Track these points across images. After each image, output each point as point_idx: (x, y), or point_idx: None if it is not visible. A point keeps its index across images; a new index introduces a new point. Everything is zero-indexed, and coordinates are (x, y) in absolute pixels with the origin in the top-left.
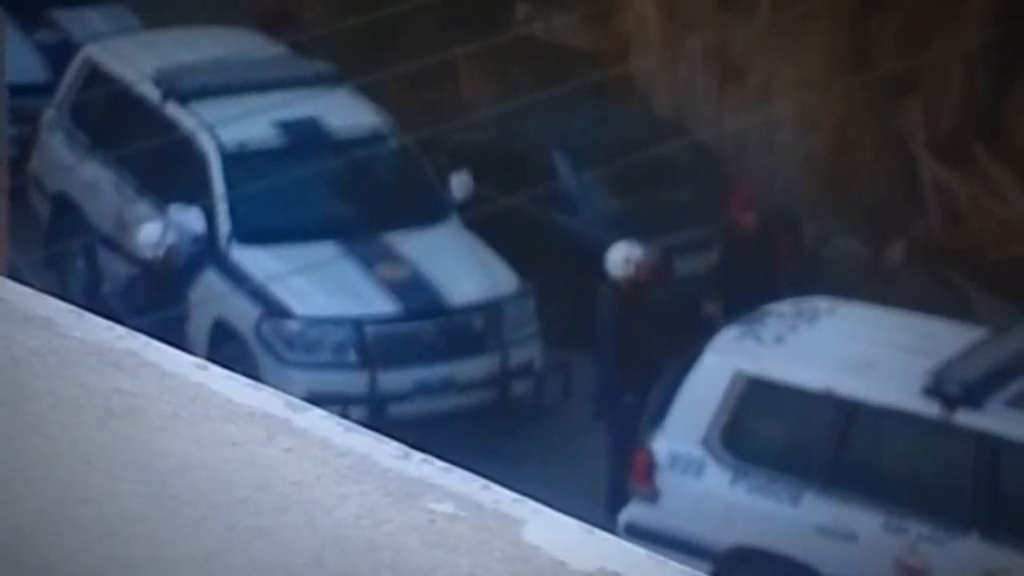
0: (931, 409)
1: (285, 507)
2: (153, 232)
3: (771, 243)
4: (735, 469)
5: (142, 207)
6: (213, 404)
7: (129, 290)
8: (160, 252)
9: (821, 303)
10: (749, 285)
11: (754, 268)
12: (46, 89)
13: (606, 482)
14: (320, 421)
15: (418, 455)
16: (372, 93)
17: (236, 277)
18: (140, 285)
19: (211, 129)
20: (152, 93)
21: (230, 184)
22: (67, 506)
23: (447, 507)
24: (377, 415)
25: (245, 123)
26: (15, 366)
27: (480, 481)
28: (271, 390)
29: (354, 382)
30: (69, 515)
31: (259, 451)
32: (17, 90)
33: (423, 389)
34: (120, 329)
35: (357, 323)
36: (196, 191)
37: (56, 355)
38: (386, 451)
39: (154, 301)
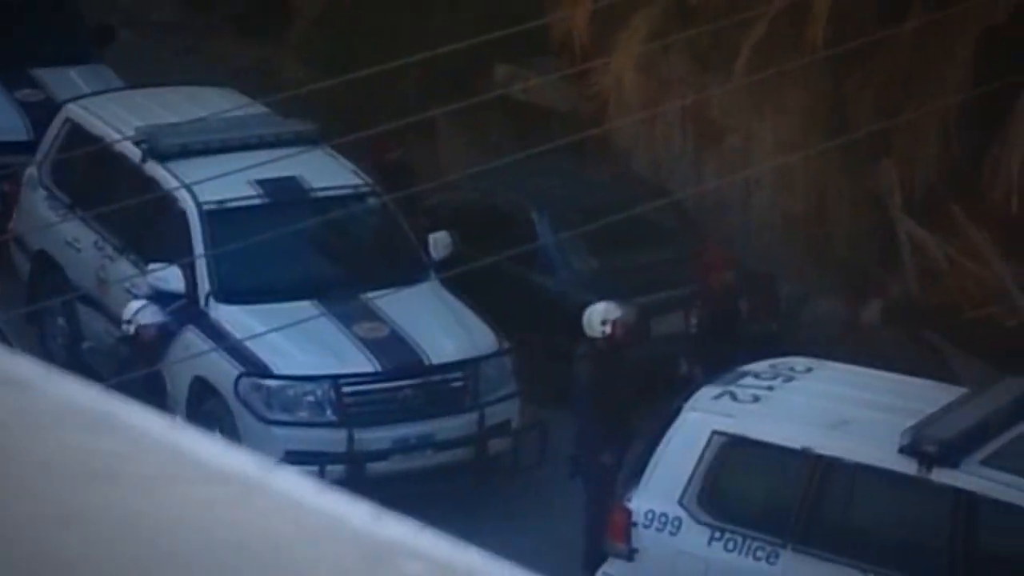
0: (908, 468)
1: (259, 569)
2: (144, 311)
3: (746, 303)
4: (712, 527)
5: (122, 265)
6: (188, 465)
7: (113, 360)
8: (149, 332)
9: (798, 362)
10: (726, 345)
11: (730, 328)
12: (28, 147)
13: (583, 541)
14: (294, 482)
15: (391, 516)
16: (352, 153)
17: (216, 335)
18: (125, 355)
19: (191, 188)
20: (132, 152)
21: (210, 243)
22: (43, 567)
23: (419, 568)
24: (355, 473)
25: (225, 182)
26: None
27: (453, 541)
28: (246, 451)
29: (332, 440)
30: None
31: (233, 513)
32: None
33: (401, 447)
34: (96, 390)
35: (335, 382)
36: (176, 250)
37: (31, 416)
38: (359, 512)
39: (137, 368)
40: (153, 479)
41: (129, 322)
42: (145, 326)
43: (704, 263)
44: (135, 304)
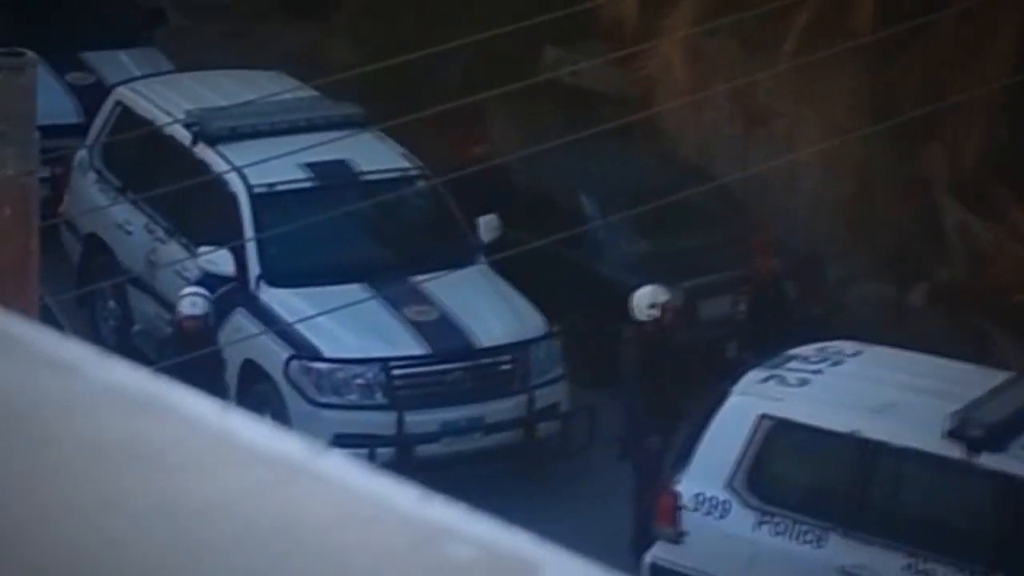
0: (954, 452)
1: (306, 551)
2: (185, 300)
3: (794, 287)
4: (760, 511)
5: (172, 249)
6: (234, 448)
7: (162, 344)
8: (189, 323)
9: (846, 346)
10: (774, 329)
11: (777, 313)
12: (78, 130)
13: (631, 523)
14: (341, 465)
15: (438, 499)
16: (401, 136)
17: (265, 318)
18: (174, 344)
19: (241, 171)
20: (182, 135)
21: (259, 226)
22: (90, 549)
23: (466, 551)
24: (404, 455)
25: (275, 165)
26: (38, 410)
27: (500, 524)
28: (293, 434)
29: (382, 423)
30: (92, 558)
31: (280, 495)
32: (49, 131)
33: (450, 430)
34: (143, 373)
35: (385, 364)
36: (226, 233)
37: (79, 399)
38: (407, 495)
39: (181, 354)
40: (200, 462)
41: (187, 316)
42: (185, 317)
43: (751, 249)
44: (183, 292)
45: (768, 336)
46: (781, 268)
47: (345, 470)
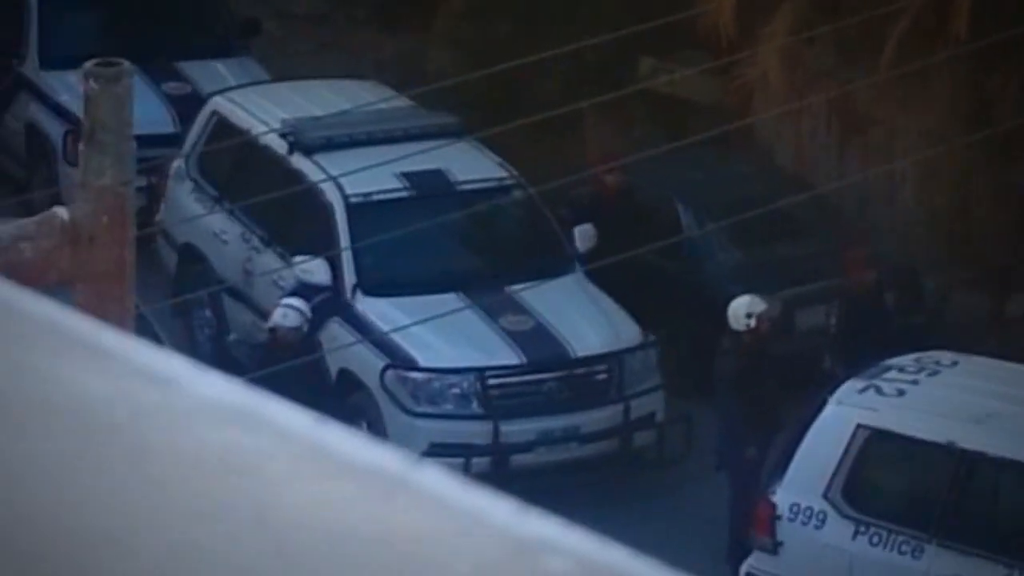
0: None
1: (402, 564)
2: (279, 311)
3: (892, 297)
4: (857, 521)
5: (268, 258)
6: (330, 461)
7: (253, 354)
8: (286, 334)
9: (943, 356)
10: (870, 339)
11: (874, 325)
12: (174, 140)
13: (728, 534)
14: (436, 477)
15: (535, 511)
16: (497, 145)
17: (361, 328)
18: (267, 352)
19: (337, 181)
20: (278, 145)
21: (355, 235)
22: (186, 561)
23: (563, 564)
24: (500, 465)
25: (370, 175)
26: (135, 422)
27: (597, 538)
28: (387, 446)
29: (477, 432)
30: (187, 570)
31: (376, 508)
32: (145, 141)
33: (546, 440)
34: (238, 385)
35: (481, 374)
36: (322, 242)
37: (175, 411)
38: (502, 507)
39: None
40: (293, 474)
41: (283, 327)
42: (277, 327)
43: (845, 264)
44: (280, 302)
45: (864, 347)
46: (878, 279)
47: (439, 482)
